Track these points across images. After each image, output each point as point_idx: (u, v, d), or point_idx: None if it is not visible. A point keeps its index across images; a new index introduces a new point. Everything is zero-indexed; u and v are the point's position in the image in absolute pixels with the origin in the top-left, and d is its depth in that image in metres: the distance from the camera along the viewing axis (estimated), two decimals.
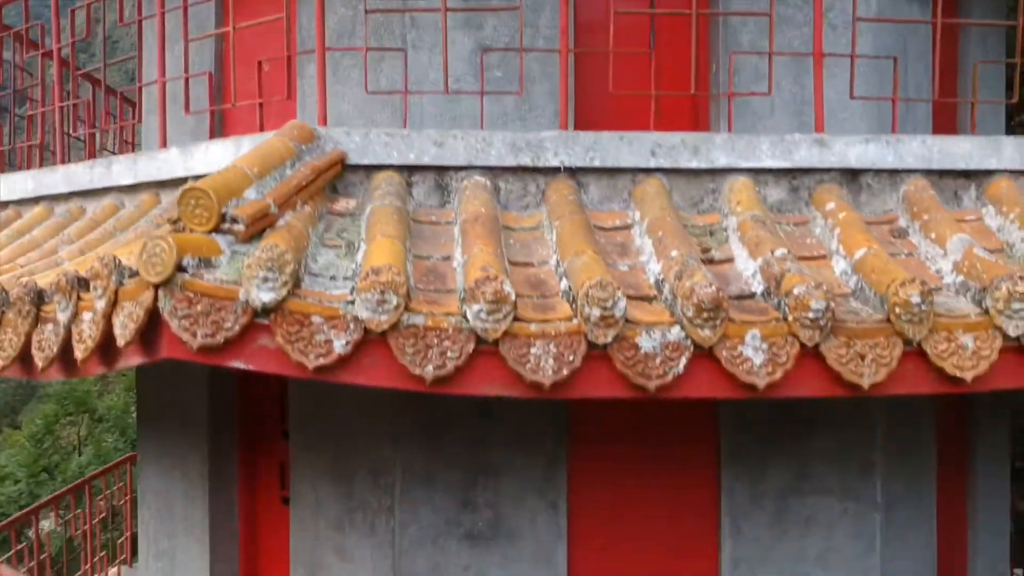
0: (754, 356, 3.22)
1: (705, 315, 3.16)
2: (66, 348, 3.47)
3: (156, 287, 2.99)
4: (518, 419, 4.67)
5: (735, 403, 4.73)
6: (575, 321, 3.15)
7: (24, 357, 3.71)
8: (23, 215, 5.09)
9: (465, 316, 3.11)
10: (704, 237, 3.86)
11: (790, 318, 3.21)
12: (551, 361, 3.13)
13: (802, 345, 3.22)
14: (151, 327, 3.05)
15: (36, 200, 5.08)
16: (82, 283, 3.39)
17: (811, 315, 3.18)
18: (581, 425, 4.74)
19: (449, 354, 3.11)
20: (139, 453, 6.30)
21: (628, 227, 3.88)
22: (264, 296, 3.01)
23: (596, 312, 3.11)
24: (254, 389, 5.78)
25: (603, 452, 4.78)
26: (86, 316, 3.32)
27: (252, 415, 5.78)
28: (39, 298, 3.62)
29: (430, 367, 3.10)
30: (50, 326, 3.53)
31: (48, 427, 14.84)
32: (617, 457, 4.79)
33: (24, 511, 7.10)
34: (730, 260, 3.70)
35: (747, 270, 3.57)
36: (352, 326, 3.07)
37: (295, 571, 5.10)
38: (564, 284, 3.38)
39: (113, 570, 7.86)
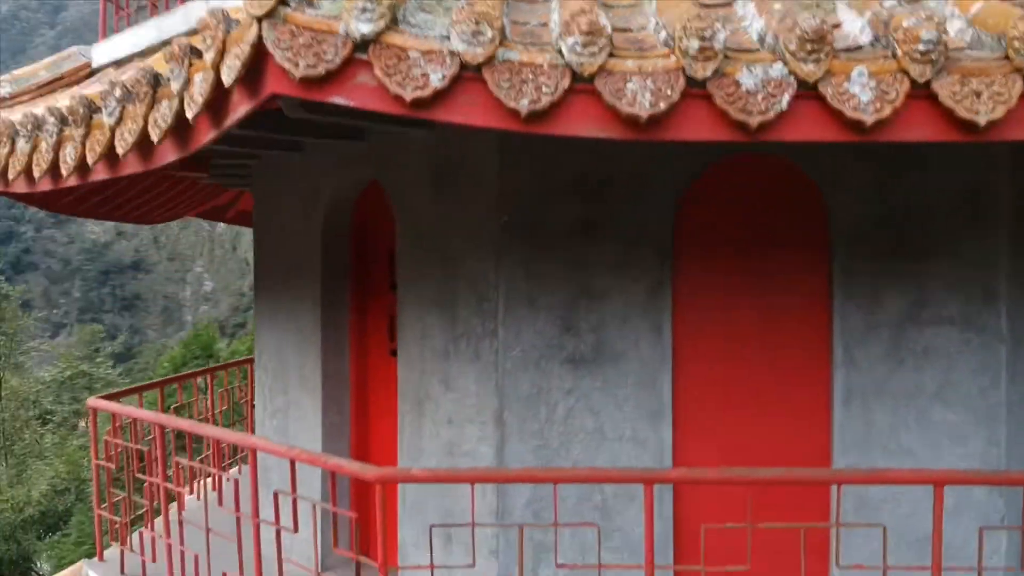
0: (861, 93, 3.11)
1: (808, 47, 3.07)
2: (179, 121, 3.64)
3: (260, 20, 3.08)
4: (622, 239, 4.63)
5: (849, 221, 4.59)
6: (673, 59, 3.11)
7: (142, 142, 3.91)
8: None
9: (560, 52, 3.11)
10: (811, 9, 3.74)
11: (899, 53, 3.09)
12: (648, 95, 3.09)
13: (912, 82, 3.09)
14: (256, 64, 3.14)
15: (161, 46, 5.30)
16: (194, 51, 3.54)
17: (922, 48, 3.05)
18: (687, 244, 4.68)
19: (544, 89, 3.11)
20: (255, 317, 6.52)
21: (730, 3, 3.80)
22: (363, 27, 3.07)
23: (695, 44, 3.06)
24: (365, 242, 5.91)
25: (709, 274, 4.70)
26: (197, 77, 3.45)
27: (363, 268, 5.91)
28: (155, 81, 3.81)
29: (525, 101, 3.10)
30: (165, 102, 3.71)
31: (176, 369, 15.56)
32: (724, 279, 4.70)
33: (147, 383, 7.44)
34: (838, 25, 3.57)
35: (855, 28, 3.43)
36: (448, 60, 3.10)
37: (403, 406, 5.19)
38: (663, 36, 3.32)
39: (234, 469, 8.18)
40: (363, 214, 5.89)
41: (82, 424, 21.22)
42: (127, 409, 5.64)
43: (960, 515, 4.48)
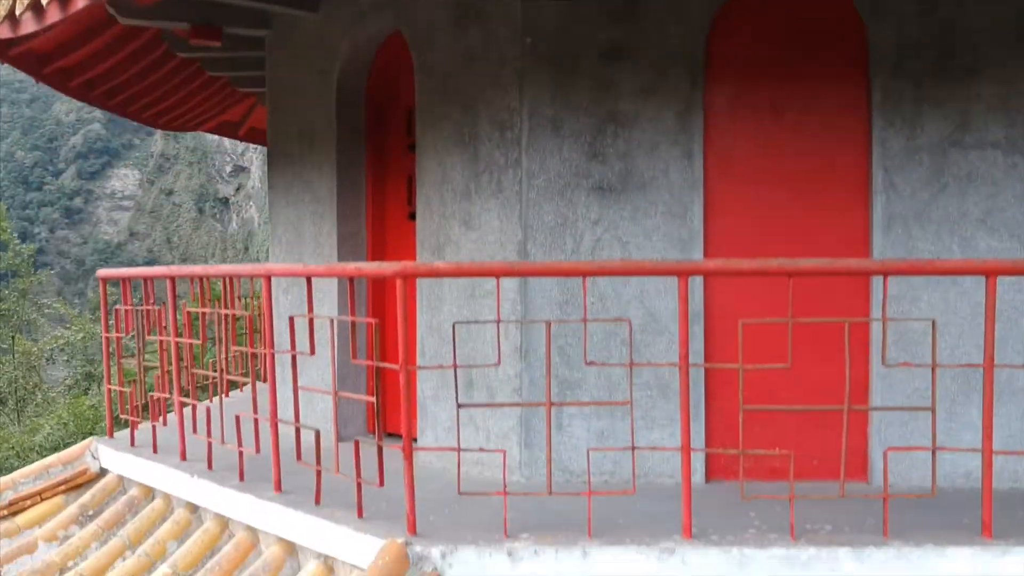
0: None
1: None
2: None
3: None
4: (651, 61, 4.45)
5: (889, 42, 4.41)
6: None
7: None
8: None
9: None
10: None
11: None
12: None
13: None
14: None
15: None
16: None
17: None
18: (719, 67, 4.50)
19: None
20: (270, 192, 6.37)
21: None
22: None
23: None
24: (382, 106, 5.74)
25: (743, 97, 4.52)
26: None
27: (380, 132, 5.75)
28: None
29: None
30: None
31: (191, 321, 15.42)
32: (758, 103, 4.52)
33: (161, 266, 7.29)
34: None
35: None
36: None
37: (421, 255, 5.03)
38: None
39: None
40: (378, 78, 5.73)
41: (94, 387, 21.18)
42: (137, 270, 5.48)
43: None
